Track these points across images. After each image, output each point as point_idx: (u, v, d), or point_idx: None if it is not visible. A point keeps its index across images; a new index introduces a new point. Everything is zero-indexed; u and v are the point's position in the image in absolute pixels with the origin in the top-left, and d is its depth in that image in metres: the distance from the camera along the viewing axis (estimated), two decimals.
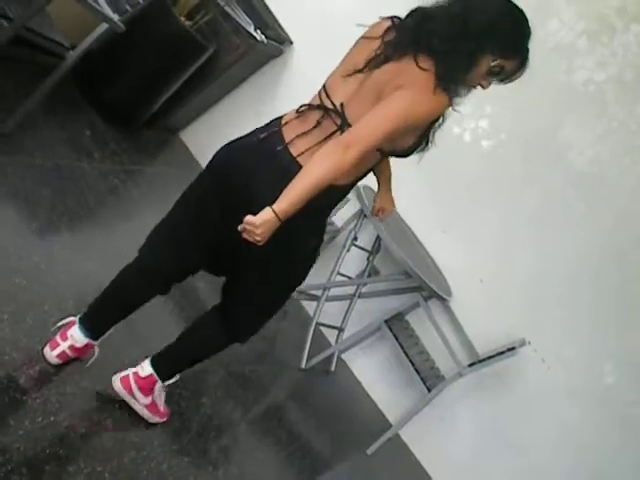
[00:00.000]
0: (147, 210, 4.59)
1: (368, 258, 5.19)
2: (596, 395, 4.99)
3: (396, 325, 4.98)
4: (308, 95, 4.71)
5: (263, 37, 5.10)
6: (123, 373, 2.98)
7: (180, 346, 3.06)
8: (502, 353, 4.69)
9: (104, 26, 3.76)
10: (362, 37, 2.64)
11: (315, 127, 2.58)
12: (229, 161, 2.74)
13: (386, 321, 4.91)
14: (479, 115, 5.03)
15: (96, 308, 2.93)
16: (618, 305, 4.91)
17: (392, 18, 2.59)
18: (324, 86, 2.67)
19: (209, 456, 3.25)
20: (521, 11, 2.52)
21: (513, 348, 4.69)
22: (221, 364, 3.99)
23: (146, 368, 2.98)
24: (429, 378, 4.85)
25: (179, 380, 3.47)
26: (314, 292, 5.13)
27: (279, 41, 5.35)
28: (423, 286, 4.66)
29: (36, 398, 2.65)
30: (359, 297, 5.24)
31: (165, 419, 3.13)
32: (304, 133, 2.59)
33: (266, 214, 2.34)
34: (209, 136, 5.60)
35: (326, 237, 3.57)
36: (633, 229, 4.91)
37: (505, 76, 2.56)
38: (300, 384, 4.72)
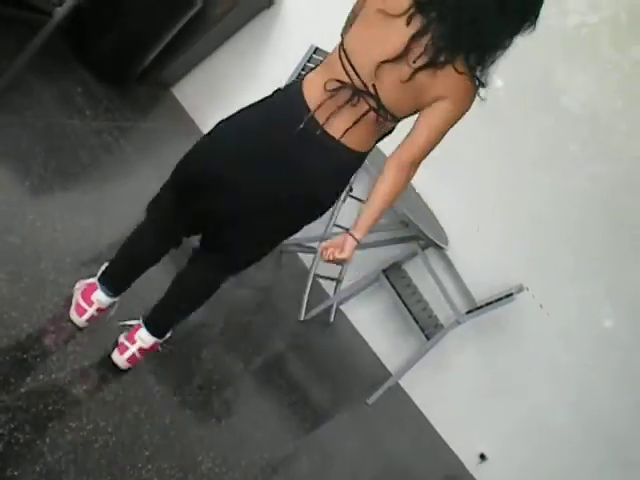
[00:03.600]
0: (141, 166, 4.58)
1: None
2: (595, 339, 5.02)
3: (394, 275, 4.99)
4: (300, 47, 4.72)
5: None
6: (127, 353, 2.95)
7: (171, 300, 3.02)
8: (500, 299, 4.70)
9: None
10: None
11: (344, 104, 2.50)
12: (265, 136, 2.62)
13: (384, 271, 4.92)
14: None
15: (116, 269, 2.98)
16: (615, 247, 4.92)
17: None
18: (346, 54, 2.46)
19: (211, 409, 3.28)
20: None
21: (511, 294, 4.70)
22: (219, 316, 4.00)
23: (146, 339, 2.97)
24: (428, 327, 4.87)
25: (179, 333, 3.51)
26: (311, 244, 5.13)
27: None
28: (420, 235, 4.66)
29: (36, 356, 2.66)
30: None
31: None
32: (334, 112, 2.51)
33: (351, 245, 2.52)
34: (201, 90, 5.58)
35: None
36: (627, 172, 4.90)
37: None
38: (299, 336, 4.74)
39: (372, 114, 2.51)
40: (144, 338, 2.95)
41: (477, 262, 5.10)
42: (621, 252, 4.92)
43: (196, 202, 2.75)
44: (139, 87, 5.19)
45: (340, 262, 2.55)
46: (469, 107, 2.52)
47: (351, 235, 2.51)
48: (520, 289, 4.86)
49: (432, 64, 2.38)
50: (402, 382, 5.24)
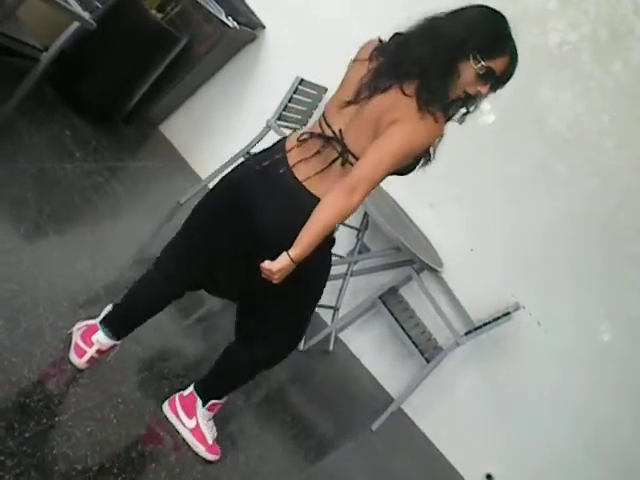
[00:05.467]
0: (133, 205, 4.59)
1: (357, 235, 5.20)
2: (594, 354, 5.02)
3: (390, 300, 5.00)
4: (285, 79, 4.75)
5: (235, 23, 5.09)
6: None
7: (214, 374, 3.19)
8: (497, 319, 4.71)
9: (75, 25, 3.75)
10: (353, 60, 2.66)
11: (316, 154, 2.61)
12: (234, 189, 2.79)
13: (380, 297, 4.93)
14: None
15: (119, 315, 3.02)
16: (609, 263, 4.94)
17: (379, 40, 2.63)
18: (323, 113, 2.68)
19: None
20: (494, 11, 2.55)
21: (508, 313, 4.71)
22: (218, 351, 3.99)
23: (188, 389, 3.15)
24: (427, 350, 4.88)
25: (182, 371, 3.51)
26: None
27: (251, 26, 5.34)
28: (414, 259, 4.67)
29: (39, 400, 2.66)
30: (351, 275, 5.25)
31: (214, 455, 3.16)
32: (306, 159, 2.62)
33: (283, 260, 2.50)
34: (189, 127, 5.61)
35: None
36: (616, 187, 4.93)
37: (500, 77, 2.56)
38: (300, 366, 4.73)
39: (339, 162, 2.59)
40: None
41: (473, 283, 5.11)
42: (617, 266, 4.94)
43: (217, 239, 2.83)
44: (127, 127, 5.22)
45: (271, 276, 2.52)
46: (426, 134, 2.52)
47: (287, 253, 2.50)
48: (517, 307, 4.88)
49: (375, 89, 2.52)
50: (405, 406, 5.23)
